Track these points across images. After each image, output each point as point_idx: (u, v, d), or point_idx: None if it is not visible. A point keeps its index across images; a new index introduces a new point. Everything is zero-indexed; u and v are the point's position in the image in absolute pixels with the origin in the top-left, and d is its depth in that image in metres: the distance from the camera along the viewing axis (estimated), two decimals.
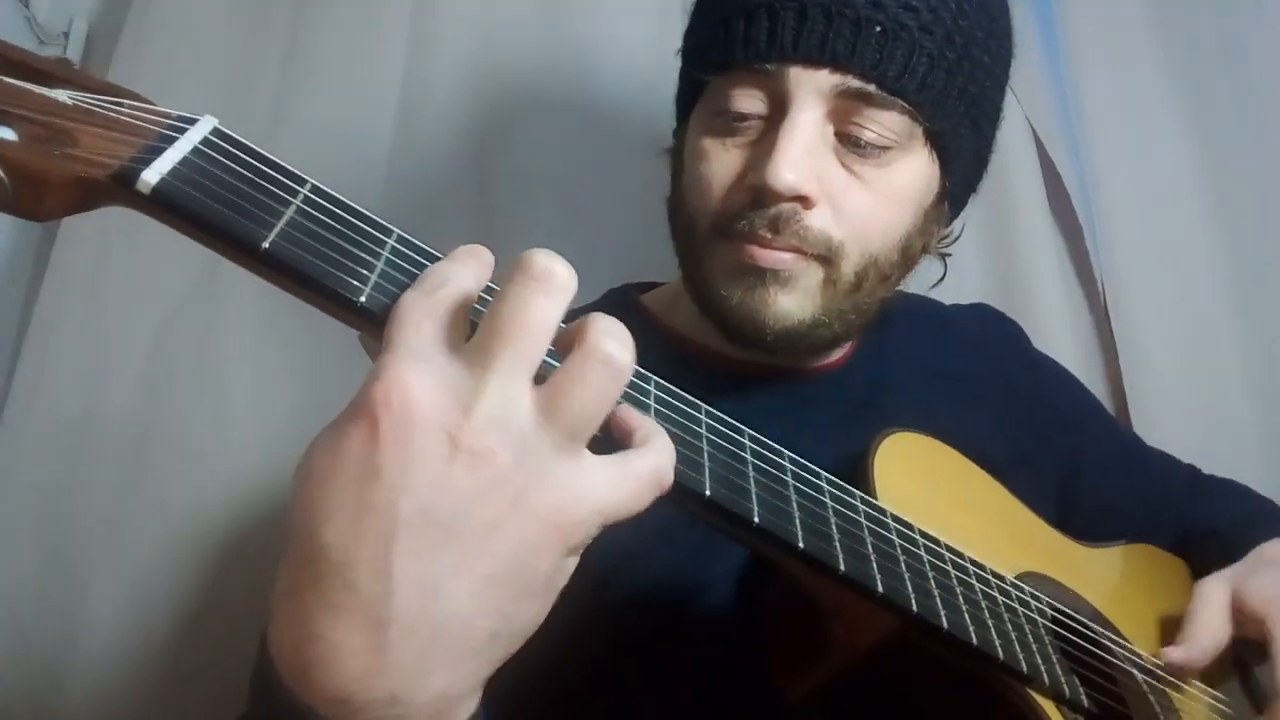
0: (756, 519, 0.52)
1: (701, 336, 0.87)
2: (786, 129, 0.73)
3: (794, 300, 0.76)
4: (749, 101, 0.76)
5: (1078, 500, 0.97)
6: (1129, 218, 1.34)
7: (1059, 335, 1.30)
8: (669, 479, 0.45)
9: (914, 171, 0.78)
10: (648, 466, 0.44)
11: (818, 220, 0.75)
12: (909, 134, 0.76)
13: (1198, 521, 1.00)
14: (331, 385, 1.25)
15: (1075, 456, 1.00)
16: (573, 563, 0.43)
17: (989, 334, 1.05)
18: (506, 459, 0.40)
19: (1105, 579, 0.89)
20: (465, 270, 0.45)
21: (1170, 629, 0.88)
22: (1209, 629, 0.81)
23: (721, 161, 0.77)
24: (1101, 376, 1.35)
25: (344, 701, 0.39)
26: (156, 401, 1.23)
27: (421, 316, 0.42)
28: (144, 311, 1.25)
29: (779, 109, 0.75)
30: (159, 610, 1.20)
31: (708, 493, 0.50)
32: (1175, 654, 0.79)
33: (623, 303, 0.93)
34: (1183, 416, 1.29)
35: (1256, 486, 1.07)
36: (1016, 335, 1.08)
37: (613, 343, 0.42)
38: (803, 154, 0.73)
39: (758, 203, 0.74)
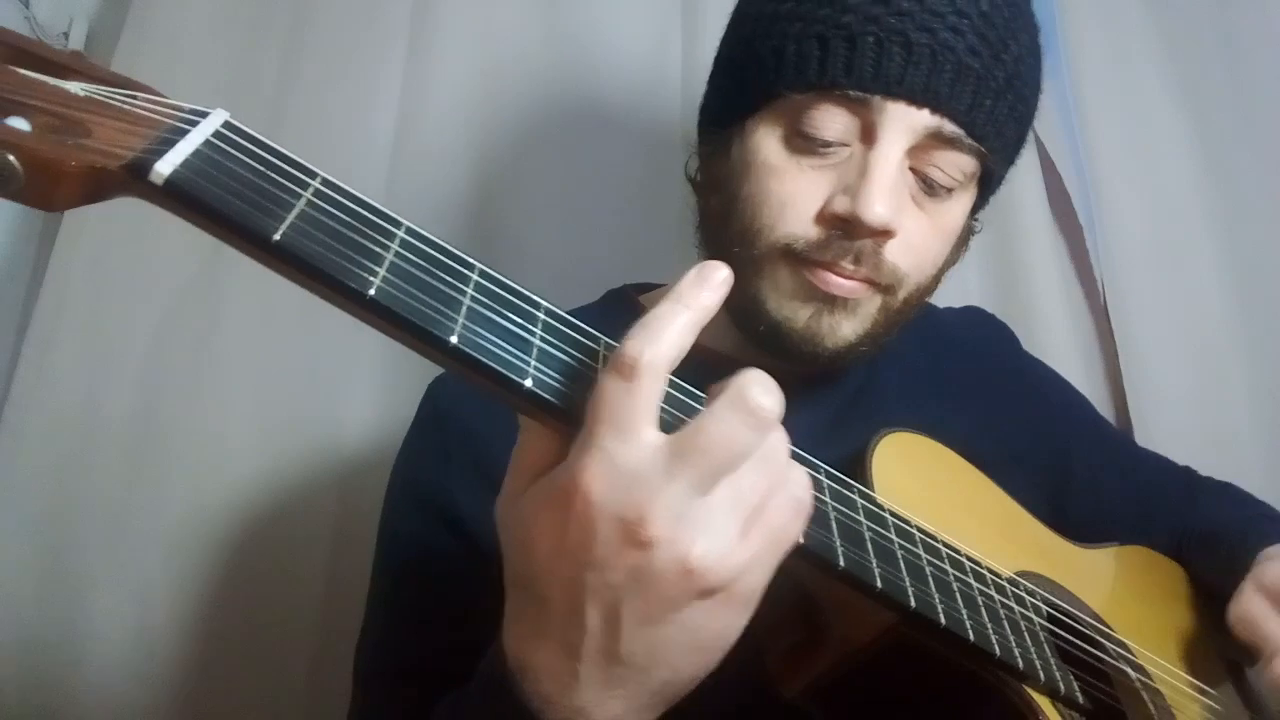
0: None
1: (701, 337, 0.86)
2: (879, 163, 0.72)
3: (852, 325, 0.77)
4: (835, 126, 0.74)
5: (1068, 502, 0.97)
6: (1129, 218, 1.34)
7: (1059, 335, 1.30)
8: (808, 503, 0.51)
9: (964, 208, 0.79)
10: (790, 504, 0.50)
11: (892, 254, 0.75)
12: (973, 175, 0.77)
13: (1195, 524, 1.00)
14: (331, 385, 1.25)
15: (1065, 458, 1.00)
16: (744, 620, 0.50)
17: (980, 337, 1.06)
18: (680, 550, 0.46)
19: (1099, 578, 0.89)
20: (664, 349, 0.48)
21: (1161, 628, 0.89)
22: None
23: (797, 182, 0.75)
24: (1101, 376, 1.36)
25: (546, 700, 0.50)
26: (156, 401, 1.23)
27: (615, 409, 0.46)
28: (144, 311, 1.25)
29: (866, 139, 0.74)
30: (159, 609, 1.20)
31: None
32: None
33: (621, 303, 0.93)
34: (1182, 416, 1.30)
35: (1255, 487, 1.07)
36: (1007, 338, 1.09)
37: (799, 472, 0.50)
38: (892, 189, 0.73)
39: (846, 233, 0.74)
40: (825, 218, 0.75)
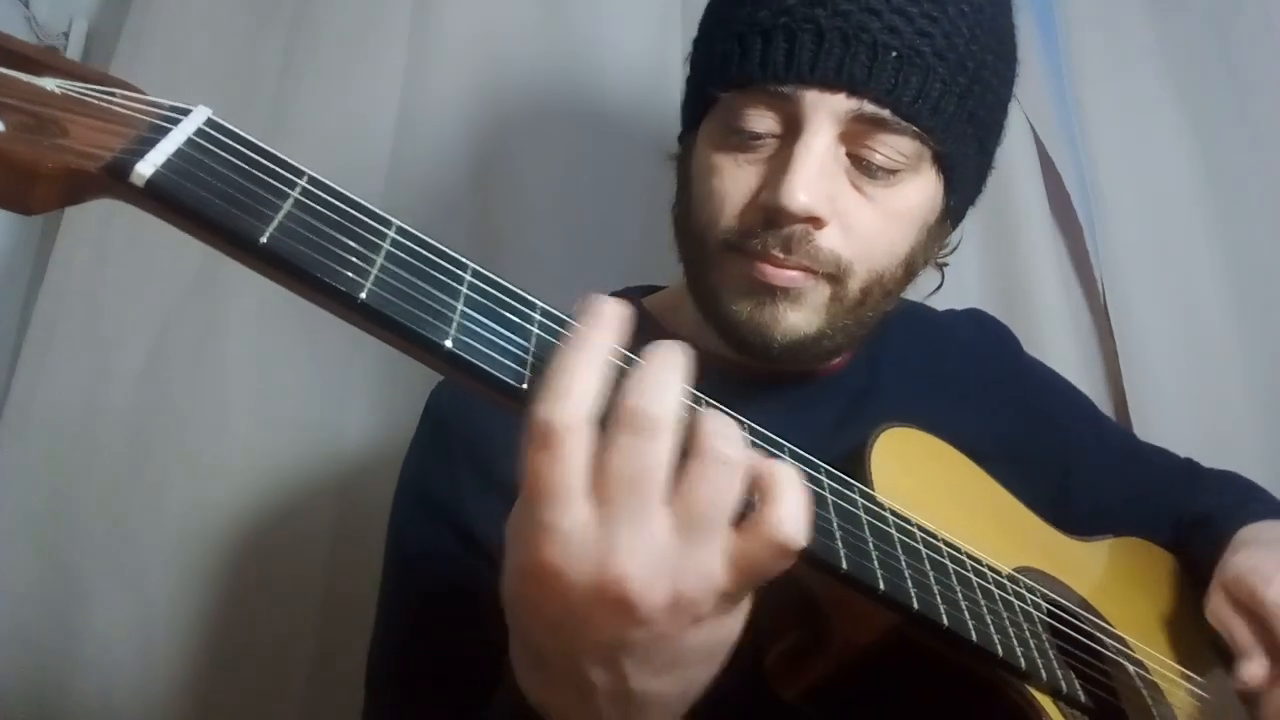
0: None
1: (702, 341, 0.85)
2: (801, 151, 0.73)
3: (801, 316, 0.77)
4: (763, 121, 0.75)
5: (1071, 499, 0.98)
6: (1129, 218, 1.34)
7: (1059, 335, 1.30)
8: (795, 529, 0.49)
9: (920, 191, 0.78)
10: (773, 521, 0.48)
11: (828, 240, 0.75)
12: (918, 156, 0.76)
13: (1191, 512, 1.00)
14: (332, 385, 1.25)
15: (1067, 456, 1.01)
16: (743, 617, 0.51)
17: (981, 338, 1.06)
18: (661, 592, 0.46)
19: (1097, 572, 0.89)
20: (574, 405, 0.44)
21: (1159, 621, 0.89)
22: (1247, 636, 0.81)
23: (733, 178, 0.77)
24: (1101, 376, 1.36)
25: None
26: (156, 401, 1.23)
27: (544, 481, 0.44)
28: (144, 311, 1.25)
29: (793, 129, 0.75)
30: (158, 610, 1.19)
31: None
32: (1254, 671, 0.79)
33: None
34: (1182, 416, 1.30)
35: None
36: (1008, 339, 1.09)
37: (726, 443, 0.46)
38: (816, 176, 0.73)
39: (771, 222, 0.74)
40: (754, 208, 0.76)
